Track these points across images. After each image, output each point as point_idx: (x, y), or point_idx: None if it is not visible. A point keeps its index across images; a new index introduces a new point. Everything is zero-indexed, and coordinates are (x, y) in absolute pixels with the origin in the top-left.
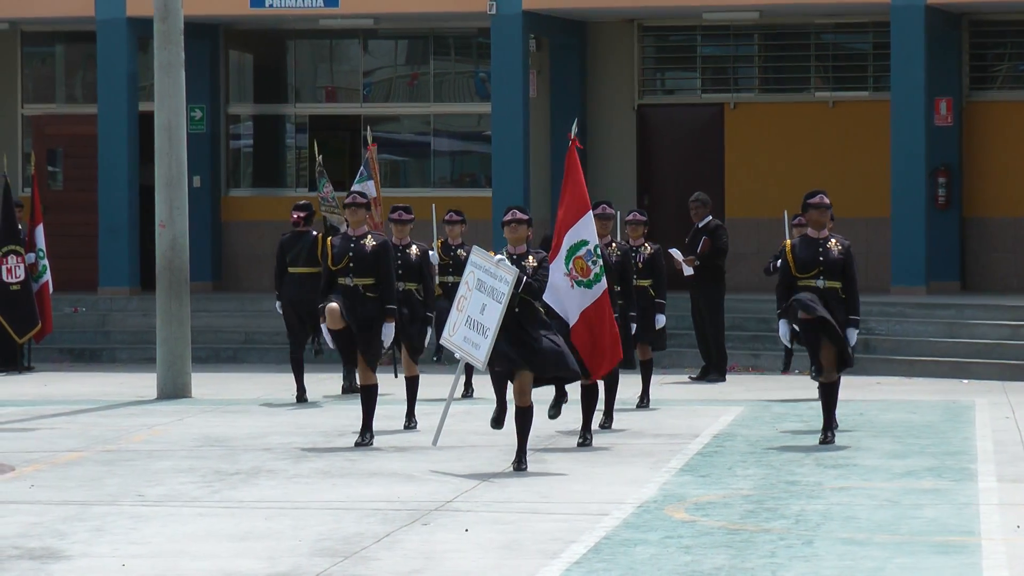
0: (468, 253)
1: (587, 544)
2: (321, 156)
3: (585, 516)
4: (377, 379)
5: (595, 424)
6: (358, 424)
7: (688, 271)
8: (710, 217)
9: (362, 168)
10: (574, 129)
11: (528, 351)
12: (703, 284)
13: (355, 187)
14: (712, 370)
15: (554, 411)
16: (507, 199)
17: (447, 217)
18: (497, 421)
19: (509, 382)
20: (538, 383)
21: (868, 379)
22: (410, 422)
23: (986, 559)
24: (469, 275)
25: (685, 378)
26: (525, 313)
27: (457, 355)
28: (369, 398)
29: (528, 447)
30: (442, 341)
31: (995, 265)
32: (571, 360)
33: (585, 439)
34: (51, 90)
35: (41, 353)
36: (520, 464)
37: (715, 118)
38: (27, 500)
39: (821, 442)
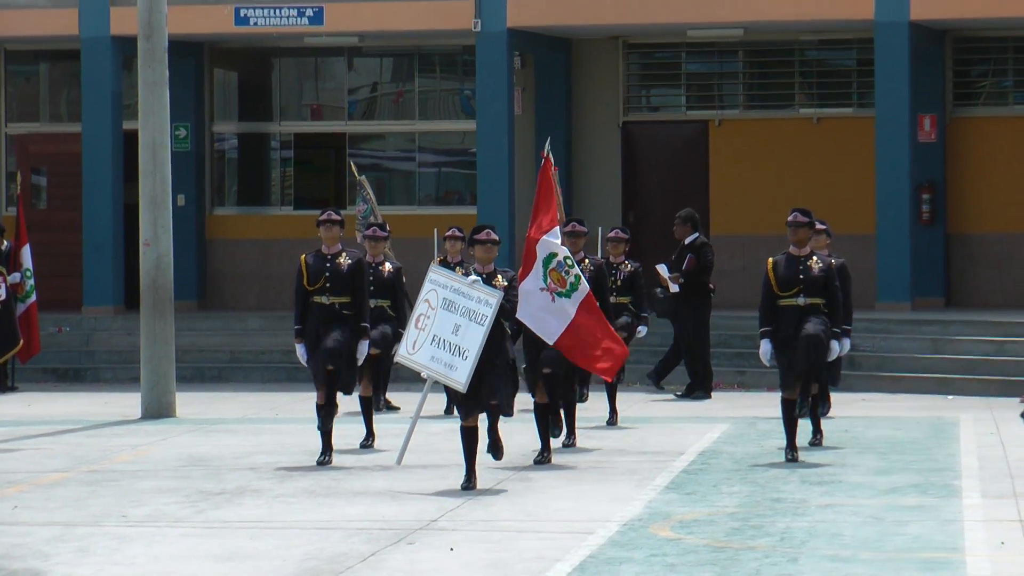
0: (467, 271)
1: (572, 563)
2: (363, 175)
3: (570, 534)
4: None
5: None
6: (344, 443)
7: (674, 288)
8: (696, 234)
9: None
10: (547, 148)
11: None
12: (689, 301)
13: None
14: (697, 387)
15: (555, 431)
16: (492, 216)
17: (449, 233)
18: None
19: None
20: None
21: (853, 395)
22: (368, 441)
23: (971, 575)
24: (430, 293)
25: (670, 396)
26: (494, 334)
27: (424, 374)
28: (369, 406)
29: (512, 466)
30: (399, 358)
31: (980, 281)
32: (502, 400)
33: (544, 456)
34: (35, 108)
35: (25, 373)
36: (469, 483)
37: (700, 135)
38: (11, 521)
39: (787, 459)
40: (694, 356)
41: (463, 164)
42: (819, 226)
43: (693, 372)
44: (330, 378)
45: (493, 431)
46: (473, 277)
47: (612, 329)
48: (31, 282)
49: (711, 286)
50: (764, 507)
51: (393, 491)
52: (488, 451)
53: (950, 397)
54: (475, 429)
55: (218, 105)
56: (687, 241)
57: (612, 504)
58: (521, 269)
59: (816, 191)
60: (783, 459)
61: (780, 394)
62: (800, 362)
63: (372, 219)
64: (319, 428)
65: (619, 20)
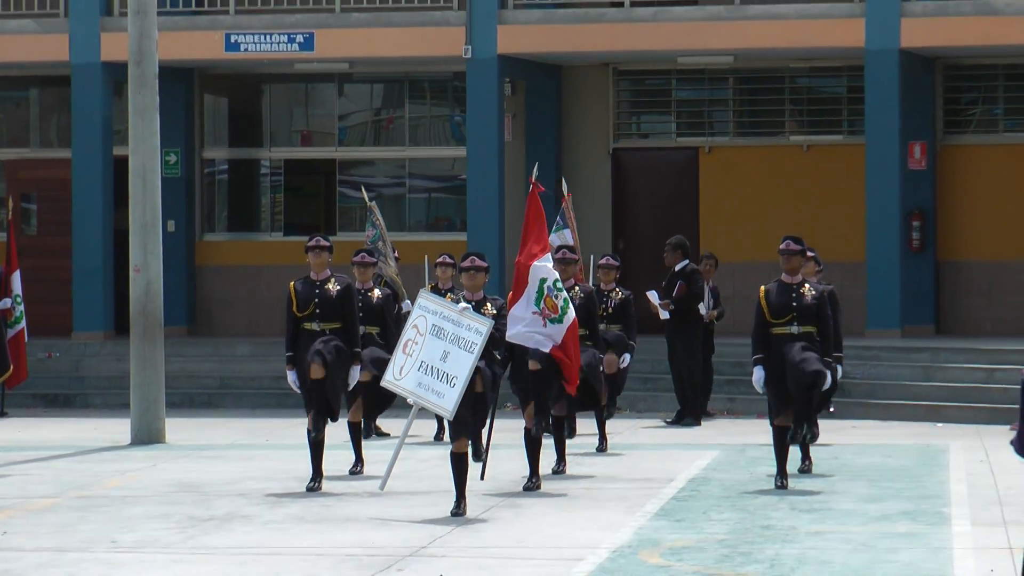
0: (457, 298)
1: None
2: (373, 200)
3: (560, 561)
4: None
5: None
6: (333, 469)
7: (664, 315)
8: (687, 261)
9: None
10: (535, 173)
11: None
12: (679, 328)
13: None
14: (687, 414)
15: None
16: (482, 242)
17: (439, 260)
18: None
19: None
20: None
21: (843, 423)
22: (357, 467)
23: None
24: (419, 319)
25: (660, 422)
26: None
27: (410, 400)
28: (357, 431)
29: (501, 492)
30: (385, 383)
31: (970, 309)
32: (477, 425)
33: (533, 483)
34: (25, 134)
35: (15, 399)
36: (459, 509)
37: (690, 162)
38: (0, 547)
39: (777, 486)
40: (683, 383)
41: (453, 190)
42: (808, 253)
43: (683, 399)
44: (320, 401)
45: (476, 435)
46: (463, 305)
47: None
48: (21, 308)
49: (719, 310)
50: (754, 534)
51: (383, 517)
52: (471, 453)
53: (940, 425)
54: (464, 455)
55: (208, 131)
56: (677, 268)
57: (602, 531)
58: (511, 295)
59: (806, 218)
60: (772, 486)
61: (770, 421)
62: (799, 400)
63: (380, 245)
64: (310, 449)
65: (609, 47)
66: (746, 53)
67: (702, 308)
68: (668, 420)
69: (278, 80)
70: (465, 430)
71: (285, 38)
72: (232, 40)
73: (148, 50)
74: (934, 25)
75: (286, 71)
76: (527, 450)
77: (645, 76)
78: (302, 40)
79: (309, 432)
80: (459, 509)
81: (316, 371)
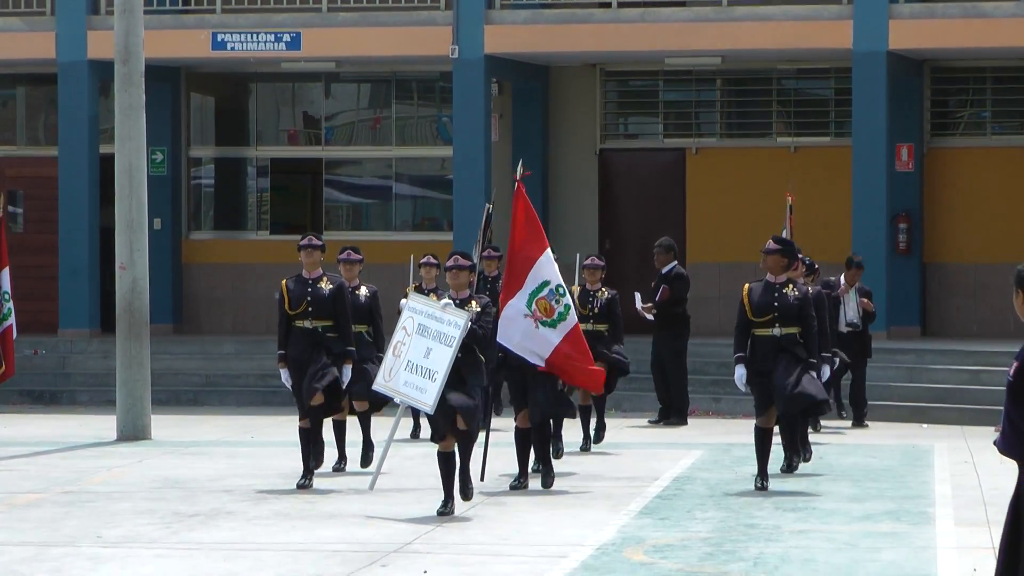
0: (441, 297)
1: None
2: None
3: (544, 558)
4: (346, 414)
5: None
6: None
7: (648, 318)
8: (675, 263)
9: None
10: (520, 169)
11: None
12: (664, 331)
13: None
14: (672, 413)
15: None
16: (468, 243)
17: (423, 260)
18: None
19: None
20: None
21: (827, 423)
22: (340, 464)
23: None
24: (407, 320)
25: (644, 421)
26: (467, 360)
27: (397, 400)
28: (340, 430)
29: (485, 491)
30: (376, 387)
31: (955, 311)
32: (475, 423)
33: (520, 482)
34: (12, 132)
35: (1, 395)
36: (446, 508)
37: (677, 163)
38: None
39: (782, 470)
40: (668, 384)
41: (440, 190)
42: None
43: (664, 399)
44: (315, 409)
45: (464, 469)
46: (446, 300)
47: (592, 360)
48: (9, 305)
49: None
50: (737, 532)
51: (367, 514)
52: (459, 491)
53: (925, 426)
54: (452, 454)
55: (195, 130)
56: (664, 271)
57: (586, 528)
58: (503, 292)
59: (793, 220)
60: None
61: (755, 422)
62: (790, 427)
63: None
64: (302, 445)
65: (597, 47)
66: (734, 54)
67: (637, 301)
68: (652, 420)
69: (265, 79)
70: (446, 423)
71: (272, 37)
72: (219, 39)
73: (135, 49)
74: (922, 27)
75: (273, 70)
76: (517, 448)
77: (632, 77)
78: (289, 39)
79: (303, 431)
80: (447, 508)
81: (317, 399)
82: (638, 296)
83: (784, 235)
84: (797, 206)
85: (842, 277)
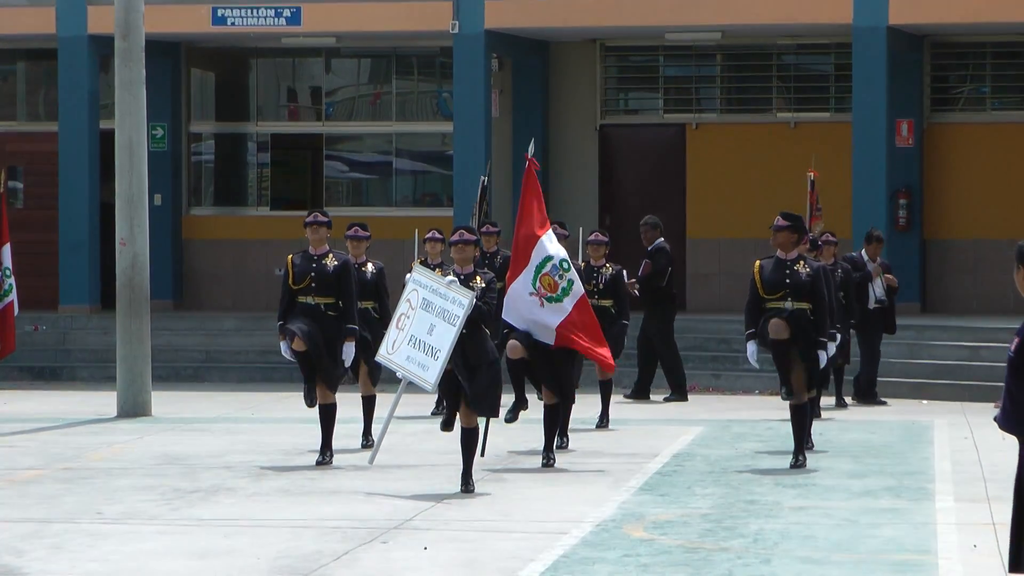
0: (446, 272)
1: (545, 562)
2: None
3: (544, 535)
4: (336, 398)
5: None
6: (318, 443)
7: (635, 292)
8: (661, 240)
9: None
10: (531, 149)
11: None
12: (649, 308)
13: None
14: (672, 391)
15: (511, 415)
16: (469, 218)
17: (429, 235)
18: (447, 423)
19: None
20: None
21: (828, 399)
22: (367, 440)
23: None
24: (412, 293)
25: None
26: (472, 336)
27: (399, 374)
28: (328, 417)
29: (487, 467)
30: (379, 358)
31: (955, 287)
32: (495, 398)
33: (548, 459)
34: (12, 107)
35: (0, 371)
36: (467, 486)
37: (677, 138)
38: None
39: (792, 466)
40: (649, 361)
41: (440, 165)
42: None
43: (643, 374)
44: (310, 368)
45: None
46: (450, 278)
47: (601, 334)
48: (10, 281)
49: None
50: (737, 509)
51: (368, 491)
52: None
53: (925, 402)
54: (474, 430)
55: (195, 105)
56: (651, 247)
57: (586, 505)
58: (510, 271)
59: (792, 196)
60: (764, 465)
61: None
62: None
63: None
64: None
65: (597, 23)
66: (734, 30)
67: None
68: (626, 394)
69: (265, 54)
70: (458, 405)
71: (272, 12)
72: (219, 14)
73: (135, 23)
74: (922, 2)
75: (273, 45)
76: (545, 423)
77: (632, 52)
78: (289, 14)
79: (322, 406)
80: (468, 486)
81: (298, 344)
82: (624, 273)
83: (808, 211)
84: (798, 182)
85: (863, 252)
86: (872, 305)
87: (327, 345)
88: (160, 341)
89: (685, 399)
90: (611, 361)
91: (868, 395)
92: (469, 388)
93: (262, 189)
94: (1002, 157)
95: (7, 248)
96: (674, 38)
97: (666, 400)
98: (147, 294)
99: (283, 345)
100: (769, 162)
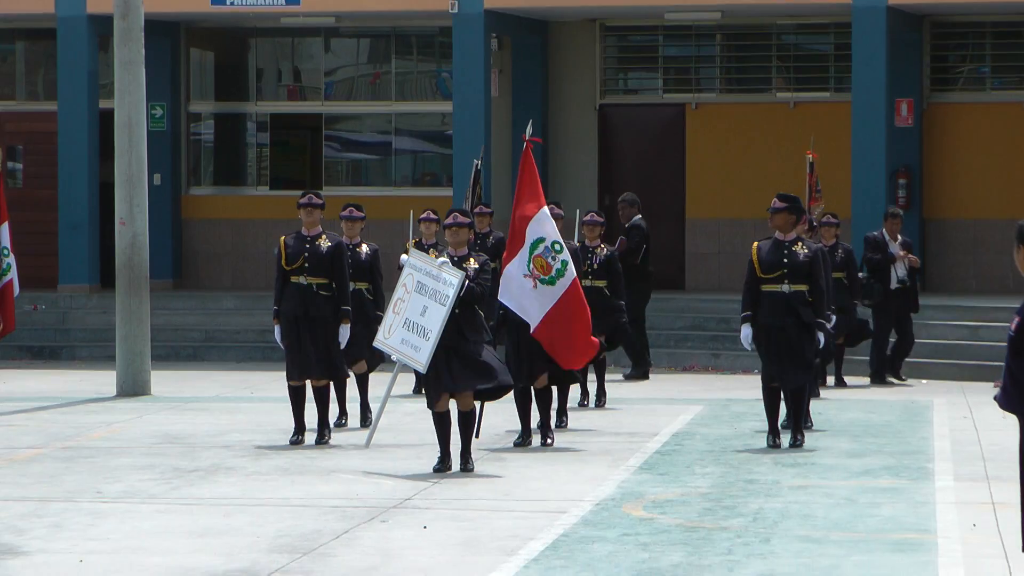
0: (440, 254)
1: (545, 541)
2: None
3: (543, 514)
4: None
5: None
6: (314, 423)
7: None
8: (638, 217)
9: None
10: (529, 130)
11: (459, 366)
12: (629, 286)
13: None
14: (635, 366)
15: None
16: (462, 202)
17: (423, 216)
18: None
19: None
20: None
21: (828, 379)
22: (365, 418)
23: (942, 557)
24: (407, 277)
25: (620, 376)
26: (465, 317)
27: (394, 357)
28: (323, 398)
29: (486, 447)
30: (376, 343)
31: (955, 267)
32: (499, 374)
33: (547, 439)
34: (11, 87)
35: (0, 351)
36: (467, 464)
37: (677, 118)
38: None
39: (791, 445)
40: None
41: (439, 145)
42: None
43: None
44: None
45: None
46: (443, 259)
47: (588, 322)
48: (9, 260)
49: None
50: (737, 488)
51: (367, 470)
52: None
53: (924, 381)
54: (447, 413)
55: (194, 85)
56: (628, 224)
57: (586, 484)
58: (506, 252)
59: (792, 176)
60: (755, 441)
61: (762, 382)
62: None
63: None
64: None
65: (596, 2)
66: (733, 9)
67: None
68: (626, 374)
69: (265, 34)
70: (443, 389)
71: None
72: None
73: (134, 3)
74: None
75: (273, 25)
76: (538, 404)
77: (632, 32)
78: None
79: (291, 388)
80: (443, 465)
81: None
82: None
83: (807, 193)
84: (798, 162)
85: (884, 231)
86: (894, 285)
87: (321, 326)
88: (159, 320)
89: (646, 377)
90: (577, 367)
91: (882, 376)
92: (463, 372)
93: (261, 169)
94: (1002, 137)
95: (6, 227)
96: (674, 18)
97: (626, 377)
98: (146, 274)
99: (277, 330)
100: (768, 142)
